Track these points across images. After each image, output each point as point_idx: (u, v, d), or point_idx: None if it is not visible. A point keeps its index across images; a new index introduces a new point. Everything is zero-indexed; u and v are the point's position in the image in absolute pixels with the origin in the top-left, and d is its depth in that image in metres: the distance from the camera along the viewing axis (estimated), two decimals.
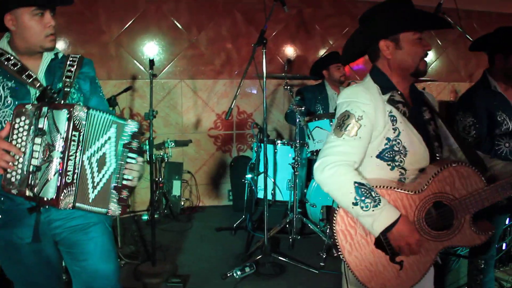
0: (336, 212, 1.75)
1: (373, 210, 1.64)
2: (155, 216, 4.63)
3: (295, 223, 3.99)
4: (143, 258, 3.74)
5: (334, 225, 1.75)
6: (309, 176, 4.27)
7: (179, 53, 5.08)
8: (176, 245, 4.14)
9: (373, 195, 1.65)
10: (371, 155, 1.78)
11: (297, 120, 3.84)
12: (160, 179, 4.77)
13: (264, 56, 3.49)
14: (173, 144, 4.86)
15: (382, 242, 1.74)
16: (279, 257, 3.68)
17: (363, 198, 1.64)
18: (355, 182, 1.66)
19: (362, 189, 1.65)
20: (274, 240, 4.15)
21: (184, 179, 5.11)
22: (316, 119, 3.88)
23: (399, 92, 1.83)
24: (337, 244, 1.75)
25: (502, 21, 6.25)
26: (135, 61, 4.93)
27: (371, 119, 1.73)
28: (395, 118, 1.77)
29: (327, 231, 3.65)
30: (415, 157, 1.78)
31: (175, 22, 5.01)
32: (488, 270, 2.90)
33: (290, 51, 5.45)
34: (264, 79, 3.54)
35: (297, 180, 3.89)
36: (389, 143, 1.76)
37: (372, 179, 1.75)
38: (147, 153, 3.60)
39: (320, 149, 3.74)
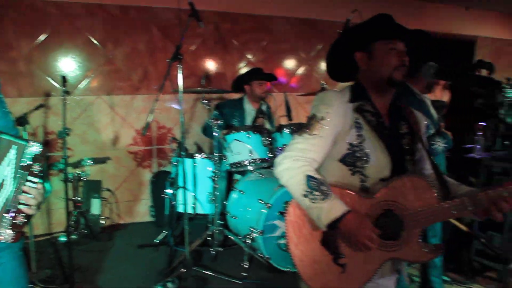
0: (289, 203, 1.83)
1: (320, 203, 1.67)
2: (73, 236, 4.48)
3: (217, 236, 4.03)
4: (61, 282, 3.59)
5: (285, 216, 1.82)
6: (229, 188, 4.32)
7: (96, 68, 4.98)
8: (96, 265, 4.01)
9: (323, 189, 1.70)
10: (334, 159, 1.84)
11: (215, 133, 3.89)
12: (78, 198, 4.61)
13: (180, 71, 3.51)
14: (91, 162, 4.73)
15: (328, 241, 1.77)
16: (202, 270, 3.69)
17: (312, 190, 1.69)
18: (307, 175, 1.71)
19: (313, 182, 1.70)
20: (197, 254, 4.16)
21: (103, 197, 4.98)
22: (234, 131, 3.95)
23: (370, 103, 1.87)
24: (287, 234, 1.80)
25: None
26: (48, 78, 4.76)
27: (334, 122, 1.79)
28: (360, 126, 1.81)
29: (247, 241, 3.71)
30: (377, 166, 1.81)
31: (90, 37, 4.91)
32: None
33: (208, 65, 5.51)
34: (181, 94, 3.56)
35: (217, 193, 3.93)
36: (351, 149, 1.81)
37: (333, 182, 1.80)
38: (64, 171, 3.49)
39: (239, 161, 3.88)
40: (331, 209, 1.67)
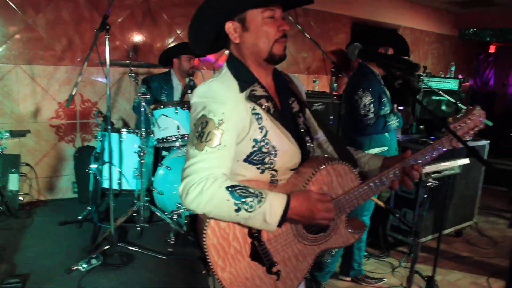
0: (206, 225, 1.50)
1: (259, 207, 1.44)
2: None
3: (143, 212, 4.01)
4: None
5: (204, 239, 1.51)
6: (156, 163, 4.29)
7: (13, 35, 4.68)
8: (14, 244, 3.85)
9: (252, 191, 1.45)
10: (237, 159, 1.56)
11: (142, 109, 3.83)
12: None
13: (107, 42, 3.40)
14: (8, 134, 4.49)
15: (259, 254, 1.58)
16: (127, 247, 3.67)
17: (242, 199, 1.42)
18: (227, 187, 1.42)
19: (238, 191, 1.43)
20: (122, 230, 4.12)
21: (22, 173, 4.74)
22: (162, 107, 3.90)
23: (260, 85, 1.61)
24: (208, 260, 1.52)
25: (338, 20, 6.97)
26: None
27: (234, 122, 1.50)
28: (260, 116, 1.56)
29: (174, 217, 3.72)
30: (286, 156, 1.61)
31: (7, 0, 4.59)
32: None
33: (136, 38, 5.36)
34: (108, 67, 3.45)
35: (143, 169, 3.89)
36: (256, 145, 1.56)
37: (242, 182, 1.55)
38: None
39: (166, 137, 3.85)
40: (272, 205, 1.46)
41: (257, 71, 1.62)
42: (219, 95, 1.50)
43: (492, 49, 11.39)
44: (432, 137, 4.57)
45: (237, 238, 1.56)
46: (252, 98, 1.56)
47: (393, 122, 3.18)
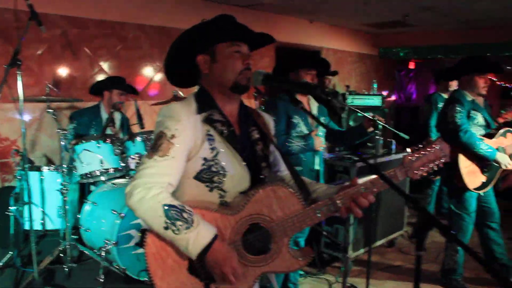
0: (146, 234, 1.61)
1: (185, 233, 1.52)
2: None
3: (70, 251, 3.83)
4: None
5: (145, 248, 1.61)
6: (82, 200, 4.14)
7: None
8: None
9: (185, 217, 1.54)
10: (188, 176, 1.68)
11: (62, 143, 3.70)
12: None
13: (19, 78, 3.26)
14: None
15: (196, 268, 1.63)
16: None
17: (173, 221, 1.52)
18: (164, 205, 1.53)
19: (172, 211, 1.53)
20: (49, 273, 3.90)
21: None
22: (83, 141, 3.79)
23: (219, 111, 1.75)
24: (148, 269, 1.60)
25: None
26: None
27: (185, 139, 1.64)
28: (212, 138, 1.70)
29: (102, 254, 3.58)
30: (235, 179, 1.71)
31: None
32: None
33: (56, 72, 5.19)
34: (21, 103, 3.31)
35: (67, 206, 3.74)
36: (206, 164, 1.68)
37: (190, 201, 1.65)
38: None
39: (90, 172, 3.74)
40: (198, 237, 1.54)
41: (221, 100, 1.78)
42: (176, 113, 1.66)
43: (411, 65, 12.09)
44: (359, 153, 4.72)
45: (177, 250, 1.61)
46: (208, 121, 1.71)
47: (295, 144, 3.20)
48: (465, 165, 3.70)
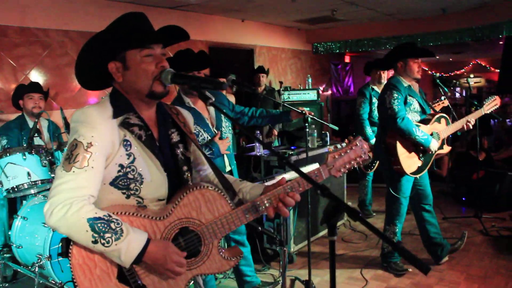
0: (72, 244, 1.54)
1: (116, 244, 1.47)
2: None
3: (2, 271, 3.65)
4: None
5: (70, 259, 1.54)
6: (11, 215, 3.95)
7: None
8: None
9: (113, 227, 1.49)
10: (104, 183, 1.60)
11: None
12: None
13: None
14: None
15: (125, 275, 1.59)
16: None
17: (101, 234, 1.46)
18: (88, 219, 1.46)
19: (99, 224, 1.47)
20: None
21: None
22: (7, 154, 3.62)
23: (136, 115, 1.67)
24: (75, 280, 1.54)
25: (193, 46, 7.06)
26: None
27: (102, 145, 1.55)
28: (129, 143, 1.62)
29: (36, 269, 3.44)
30: (152, 186, 1.66)
31: None
32: None
33: None
34: None
35: None
36: (122, 170, 1.61)
37: (110, 207, 1.60)
38: None
39: (16, 186, 3.58)
40: (129, 246, 1.50)
41: (138, 105, 1.69)
42: (91, 119, 1.56)
43: (347, 59, 12.43)
44: (293, 147, 4.80)
45: (104, 258, 1.57)
46: (125, 125, 1.63)
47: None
48: (403, 151, 3.83)
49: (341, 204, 1.31)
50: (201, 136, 3.17)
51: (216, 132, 3.24)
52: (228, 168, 3.44)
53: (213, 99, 1.60)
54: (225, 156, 3.35)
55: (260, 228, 2.82)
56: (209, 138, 3.19)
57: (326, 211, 1.36)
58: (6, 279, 3.72)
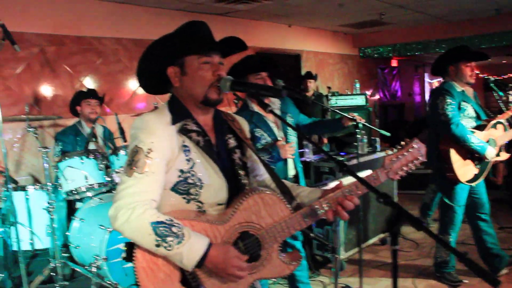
0: (135, 248, 1.57)
1: (177, 248, 1.50)
2: None
3: (61, 270, 3.79)
4: None
5: (134, 262, 1.57)
6: (70, 217, 4.11)
7: None
8: None
9: (175, 231, 1.51)
10: (165, 188, 1.64)
11: (45, 164, 3.69)
12: None
13: None
14: None
15: (188, 280, 1.61)
16: None
17: (163, 237, 1.49)
18: (152, 223, 1.50)
19: (161, 228, 1.50)
20: None
21: None
22: (66, 158, 3.78)
23: (194, 121, 1.71)
24: (139, 283, 1.56)
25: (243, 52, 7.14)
26: None
27: (162, 151, 1.60)
28: (188, 149, 1.66)
29: (93, 270, 3.55)
30: (211, 190, 1.68)
31: None
32: None
33: (35, 91, 5.16)
34: (0, 123, 3.29)
35: (55, 224, 3.71)
36: (182, 175, 1.64)
37: (172, 212, 1.62)
38: None
39: (75, 189, 3.72)
40: (191, 250, 1.52)
41: (195, 111, 1.73)
42: (150, 126, 1.62)
43: (394, 63, 12.20)
44: (343, 153, 4.76)
45: (167, 262, 1.58)
46: (183, 131, 1.67)
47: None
48: (457, 158, 3.70)
49: (403, 212, 1.28)
50: (263, 139, 3.18)
51: (281, 136, 3.25)
52: (292, 172, 3.37)
53: (272, 107, 1.59)
54: (289, 160, 3.30)
55: (312, 234, 2.81)
56: (272, 141, 3.20)
57: (388, 220, 1.33)
58: (65, 277, 3.85)
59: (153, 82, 1.82)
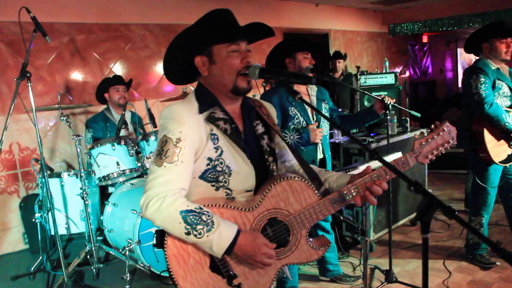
0: (166, 236, 1.61)
1: (207, 236, 1.53)
2: None
3: (96, 252, 3.92)
4: None
5: (165, 249, 1.61)
6: (103, 202, 4.22)
7: None
8: None
9: (204, 219, 1.54)
10: (194, 176, 1.66)
11: (78, 150, 3.79)
12: None
13: (30, 90, 3.34)
14: None
15: (217, 265, 1.64)
16: None
17: (193, 225, 1.52)
18: (181, 212, 1.52)
19: (191, 216, 1.53)
20: (78, 274, 4.02)
21: None
22: (99, 145, 3.86)
23: (221, 109, 1.71)
24: (170, 269, 1.60)
25: None
26: None
27: (191, 140, 1.61)
28: (216, 137, 1.67)
29: (127, 253, 3.66)
30: (240, 177, 1.70)
31: None
32: None
33: (67, 79, 5.28)
34: (34, 114, 3.39)
35: (89, 209, 3.83)
36: (211, 163, 1.66)
37: (201, 200, 1.66)
38: None
39: (107, 174, 3.81)
40: (220, 238, 1.55)
41: (222, 99, 1.73)
42: (178, 115, 1.62)
43: (425, 39, 11.88)
44: (373, 134, 4.70)
45: (197, 249, 1.62)
46: (211, 119, 1.68)
47: (289, 137, 3.11)
48: (491, 138, 3.60)
49: (435, 201, 1.27)
50: (296, 119, 3.19)
51: (314, 120, 3.26)
52: (320, 156, 3.37)
53: (301, 95, 1.57)
54: (318, 144, 3.30)
55: (341, 217, 2.81)
56: (305, 122, 3.20)
57: (419, 209, 1.32)
58: (100, 259, 3.99)
59: (179, 72, 1.82)
